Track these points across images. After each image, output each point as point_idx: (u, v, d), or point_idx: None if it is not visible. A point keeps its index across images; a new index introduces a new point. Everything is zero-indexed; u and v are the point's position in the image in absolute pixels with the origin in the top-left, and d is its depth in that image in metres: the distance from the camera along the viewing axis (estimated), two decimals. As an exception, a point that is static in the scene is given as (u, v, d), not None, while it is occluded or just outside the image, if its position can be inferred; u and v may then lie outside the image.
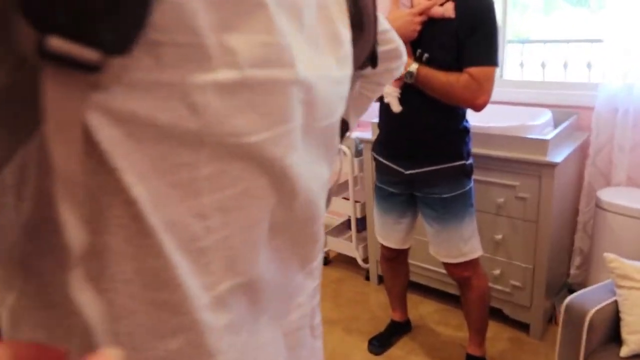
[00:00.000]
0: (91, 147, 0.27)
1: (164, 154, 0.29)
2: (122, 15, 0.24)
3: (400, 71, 0.63)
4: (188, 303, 0.32)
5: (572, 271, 2.16)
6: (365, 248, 2.45)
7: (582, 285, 2.08)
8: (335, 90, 0.40)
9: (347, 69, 0.42)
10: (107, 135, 0.26)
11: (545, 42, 2.26)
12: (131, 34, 0.25)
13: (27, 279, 0.30)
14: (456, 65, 1.43)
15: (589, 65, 2.10)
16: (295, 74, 0.33)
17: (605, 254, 1.39)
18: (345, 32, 0.41)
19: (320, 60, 0.37)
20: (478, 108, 1.45)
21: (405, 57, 0.61)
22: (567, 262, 2.16)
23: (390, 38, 0.58)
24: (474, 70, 1.40)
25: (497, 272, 1.97)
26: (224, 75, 0.29)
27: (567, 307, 1.37)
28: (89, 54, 0.24)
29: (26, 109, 0.25)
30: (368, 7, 0.45)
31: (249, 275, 0.37)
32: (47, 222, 0.28)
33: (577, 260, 2.14)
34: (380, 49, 0.55)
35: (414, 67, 1.43)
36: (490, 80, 1.41)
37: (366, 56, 0.49)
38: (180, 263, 0.31)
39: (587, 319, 1.31)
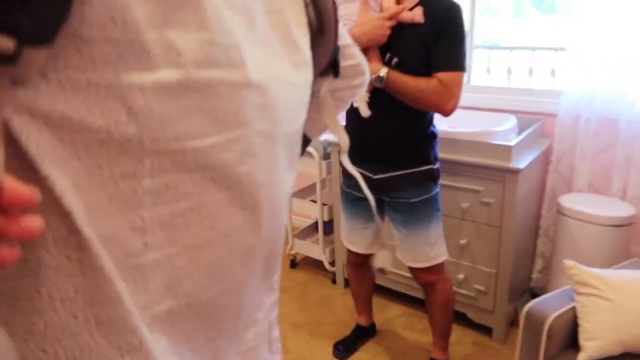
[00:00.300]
0: (20, 152, 0.24)
1: (101, 163, 0.27)
2: None
3: (364, 89, 0.61)
4: (133, 320, 0.30)
5: (534, 275, 2.20)
6: (332, 251, 2.44)
7: (544, 289, 2.12)
8: (295, 95, 0.39)
9: (306, 74, 0.41)
10: (35, 139, 0.24)
11: (511, 48, 2.29)
12: (51, 21, 0.22)
13: None
14: (424, 69, 1.42)
15: (553, 73, 2.14)
16: (246, 75, 0.31)
17: (565, 261, 1.41)
18: (302, 37, 0.40)
19: (276, 64, 0.36)
20: (447, 113, 1.45)
21: (368, 75, 0.59)
22: (529, 266, 2.20)
23: (353, 54, 0.56)
24: (442, 75, 1.40)
25: (461, 276, 1.98)
26: (166, 75, 0.27)
27: (527, 313, 1.38)
28: (3, 41, 0.21)
29: None
30: (328, 11, 0.44)
31: (198, 297, 0.34)
32: None
33: (539, 264, 2.18)
34: (343, 64, 0.53)
35: (383, 71, 1.42)
36: (458, 86, 1.42)
37: (327, 62, 0.48)
38: (118, 278, 0.29)
39: (547, 325, 1.33)
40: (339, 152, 1.75)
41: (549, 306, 1.38)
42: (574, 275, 1.37)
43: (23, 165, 0.24)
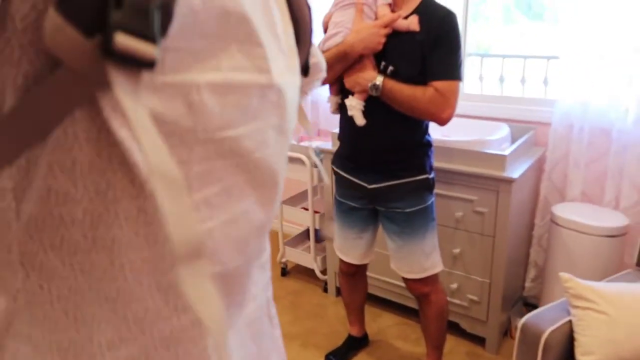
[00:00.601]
0: (115, 143, 0.28)
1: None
2: (166, 8, 0.26)
3: (318, 84, 0.66)
4: None
5: (527, 284, 2.20)
6: (324, 259, 2.41)
7: (537, 298, 2.11)
8: (296, 95, 0.44)
9: (298, 77, 0.46)
10: (125, 134, 0.28)
11: (504, 56, 2.28)
12: (165, 29, 0.27)
13: (27, 277, 0.31)
14: (420, 78, 1.41)
15: (545, 81, 2.14)
16: (270, 79, 0.36)
17: (561, 274, 1.39)
18: (292, 45, 0.44)
19: (282, 67, 0.40)
20: (443, 122, 1.43)
21: (324, 71, 0.65)
22: (522, 275, 2.19)
23: (314, 52, 0.62)
24: (439, 84, 1.38)
25: (454, 286, 1.96)
26: (216, 76, 0.32)
27: (523, 327, 1.37)
28: (150, 49, 0.25)
29: (38, 119, 0.27)
30: (305, 20, 0.48)
31: (227, 266, 0.39)
32: (54, 218, 0.29)
33: (532, 273, 2.17)
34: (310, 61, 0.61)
35: (379, 79, 1.40)
36: (455, 94, 1.40)
37: (301, 64, 0.53)
38: None
39: (543, 339, 1.31)
40: (332, 159, 1.72)
41: (544, 320, 1.36)
42: (569, 289, 1.36)
43: (118, 154, 0.29)
